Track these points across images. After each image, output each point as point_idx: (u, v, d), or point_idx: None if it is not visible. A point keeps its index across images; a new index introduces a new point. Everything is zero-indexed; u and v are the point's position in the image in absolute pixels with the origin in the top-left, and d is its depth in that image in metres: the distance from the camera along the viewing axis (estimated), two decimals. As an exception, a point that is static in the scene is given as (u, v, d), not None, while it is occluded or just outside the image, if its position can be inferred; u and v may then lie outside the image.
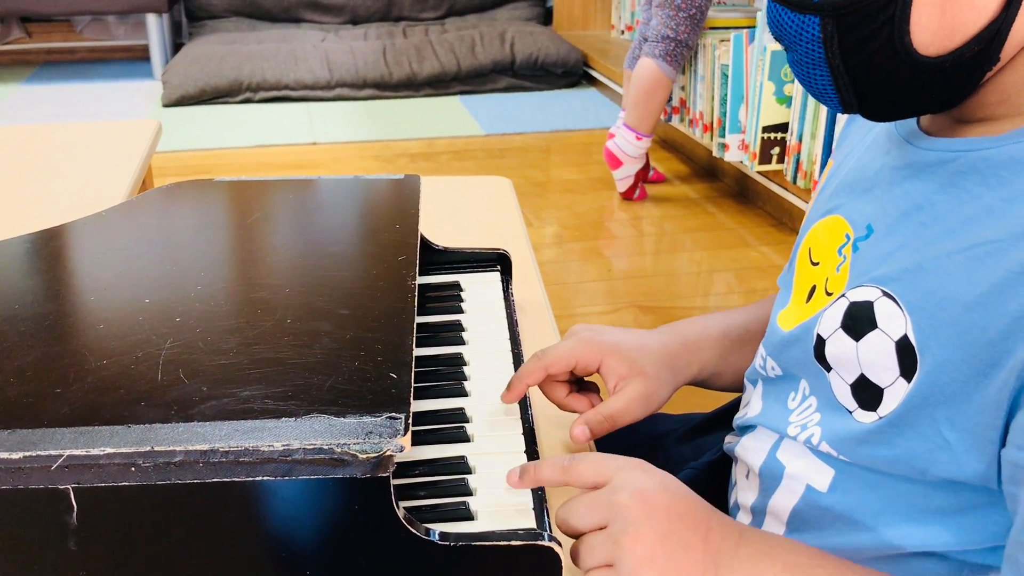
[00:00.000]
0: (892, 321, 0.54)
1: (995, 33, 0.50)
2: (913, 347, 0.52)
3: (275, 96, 3.57)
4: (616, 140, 2.55)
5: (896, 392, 0.53)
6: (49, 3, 3.78)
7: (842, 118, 2.04)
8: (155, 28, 3.91)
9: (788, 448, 0.63)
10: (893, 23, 0.50)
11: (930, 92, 0.54)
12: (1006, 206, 0.50)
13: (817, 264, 0.63)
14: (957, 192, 0.53)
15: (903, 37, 0.51)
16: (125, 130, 1.38)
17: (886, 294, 0.55)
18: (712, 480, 0.75)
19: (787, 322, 0.65)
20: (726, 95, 2.49)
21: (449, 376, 0.72)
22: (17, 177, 1.19)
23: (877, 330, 0.55)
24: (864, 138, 0.67)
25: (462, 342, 0.77)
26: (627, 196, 2.59)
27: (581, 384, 0.73)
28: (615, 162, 2.56)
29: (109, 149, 1.30)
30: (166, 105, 3.51)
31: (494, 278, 0.89)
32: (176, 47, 4.13)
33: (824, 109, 2.19)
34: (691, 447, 0.82)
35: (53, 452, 0.48)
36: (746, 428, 0.69)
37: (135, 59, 4.30)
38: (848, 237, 0.60)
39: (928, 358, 0.52)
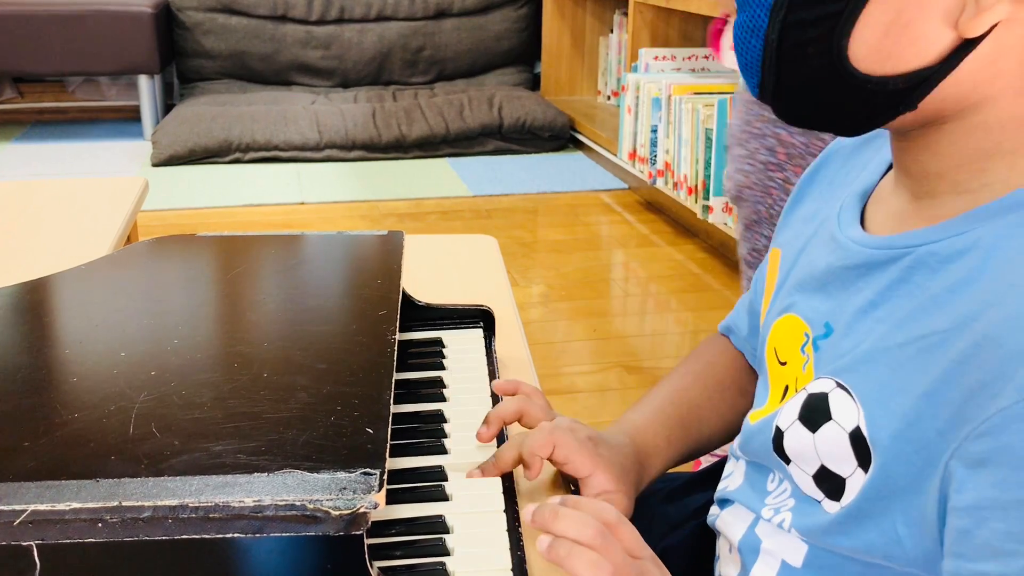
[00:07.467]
0: (845, 413, 0.54)
1: (924, 79, 0.51)
2: (865, 438, 0.52)
3: (264, 157, 3.58)
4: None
5: (855, 483, 0.54)
6: (42, 63, 3.81)
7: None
8: (146, 89, 3.95)
9: (764, 526, 0.63)
10: (838, 21, 0.51)
11: (842, 106, 0.54)
12: (949, 296, 0.51)
13: (785, 364, 0.64)
14: (908, 287, 0.54)
15: (841, 39, 0.51)
16: (111, 187, 1.38)
17: (840, 386, 0.55)
18: (697, 551, 0.74)
19: (756, 418, 0.65)
20: (710, 158, 2.52)
21: (429, 434, 0.71)
22: (1, 231, 1.19)
23: (831, 422, 0.55)
24: (805, 227, 0.67)
25: (443, 399, 0.77)
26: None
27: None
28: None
29: (94, 206, 1.30)
30: (155, 165, 3.52)
31: (476, 335, 0.88)
32: (167, 108, 4.16)
33: (807, 173, 2.21)
34: (675, 507, 0.81)
35: (16, 507, 0.47)
36: (725, 502, 0.69)
37: (126, 119, 4.33)
38: (807, 336, 0.61)
39: (880, 449, 0.52)
